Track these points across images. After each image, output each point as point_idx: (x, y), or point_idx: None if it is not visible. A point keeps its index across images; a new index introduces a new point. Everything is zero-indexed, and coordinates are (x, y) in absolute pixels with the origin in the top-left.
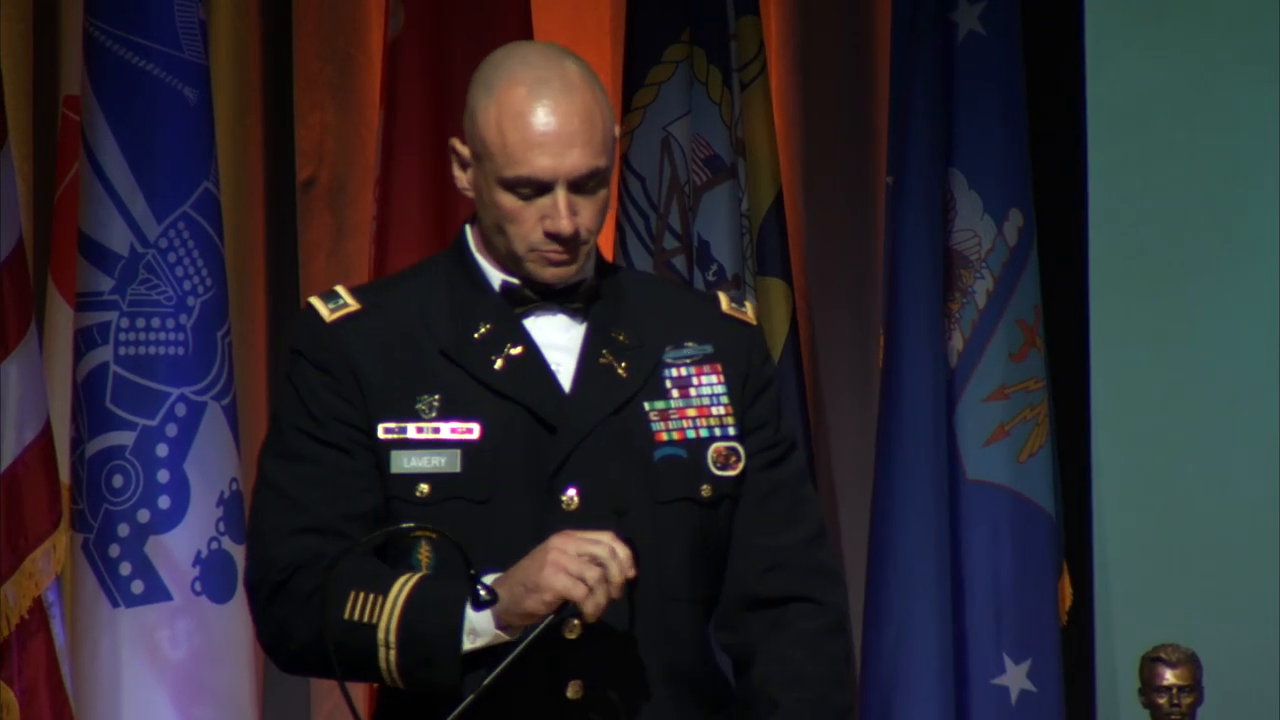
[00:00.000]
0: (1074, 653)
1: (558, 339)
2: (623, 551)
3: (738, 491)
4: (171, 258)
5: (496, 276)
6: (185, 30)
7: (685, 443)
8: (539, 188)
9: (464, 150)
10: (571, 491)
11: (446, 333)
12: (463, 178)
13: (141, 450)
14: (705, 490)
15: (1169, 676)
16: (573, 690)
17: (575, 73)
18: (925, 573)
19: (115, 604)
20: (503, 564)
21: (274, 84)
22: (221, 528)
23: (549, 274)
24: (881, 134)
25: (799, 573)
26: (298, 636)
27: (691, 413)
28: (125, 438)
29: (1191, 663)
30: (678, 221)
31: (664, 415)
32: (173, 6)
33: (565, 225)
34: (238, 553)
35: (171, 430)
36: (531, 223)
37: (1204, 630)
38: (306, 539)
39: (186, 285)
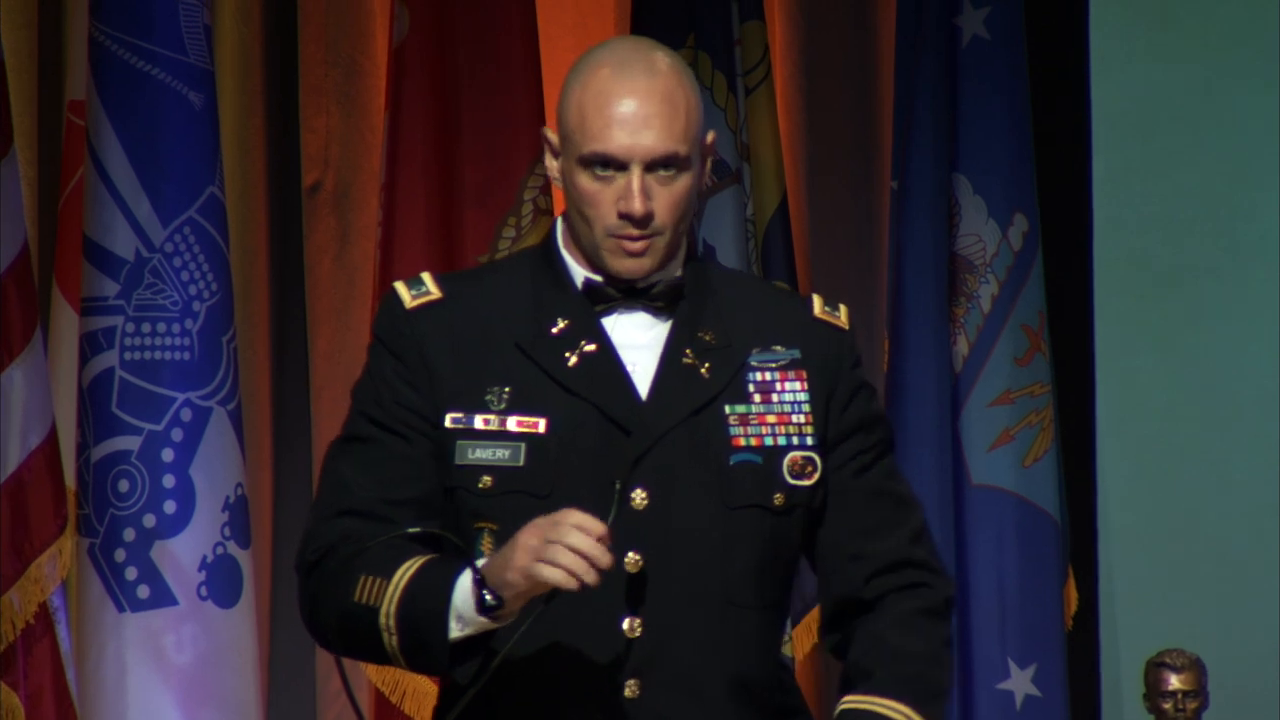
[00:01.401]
0: (1079, 657)
1: (638, 338)
2: (588, 522)
3: (812, 501)
4: (177, 262)
5: (580, 273)
6: (190, 35)
7: (762, 449)
8: (615, 166)
9: (553, 137)
10: (640, 491)
11: (524, 326)
12: (553, 166)
13: (147, 455)
14: (778, 499)
15: (1174, 681)
16: (630, 689)
17: (663, 61)
18: None
19: (121, 609)
20: None
21: (279, 89)
22: (227, 532)
23: (624, 265)
24: (886, 139)
25: (901, 573)
26: (324, 616)
27: (771, 419)
28: (131, 443)
29: (1196, 668)
30: None
31: (744, 420)
32: (178, 11)
33: (637, 205)
34: (243, 557)
35: (177, 435)
36: (608, 205)
37: (1209, 635)
38: (346, 522)
39: (192, 290)
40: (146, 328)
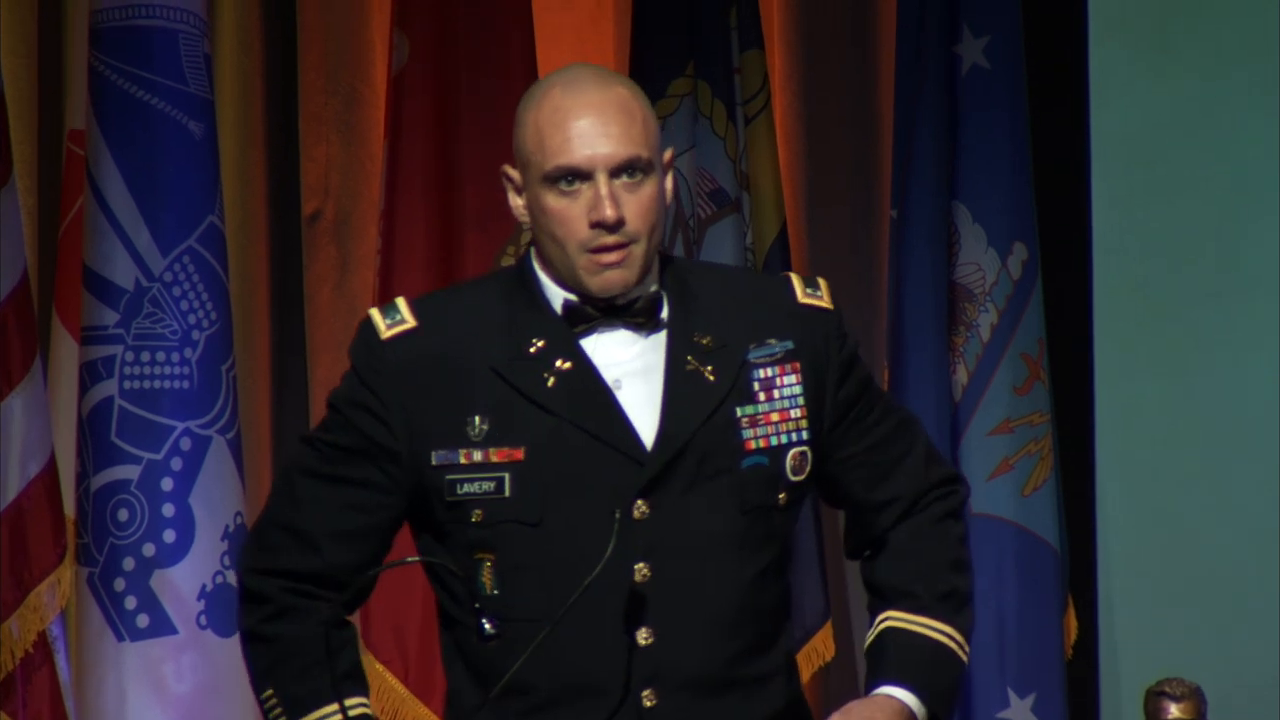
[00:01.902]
0: (1079, 687)
1: (619, 355)
2: None
3: (805, 494)
4: (176, 291)
5: (558, 295)
6: (190, 64)
7: (769, 450)
8: (580, 177)
9: (514, 173)
10: (641, 502)
11: (500, 349)
12: (517, 203)
13: (146, 484)
14: (783, 498)
15: (1173, 711)
16: (648, 698)
17: (612, 75)
18: None
19: (120, 638)
20: (563, 584)
21: (279, 118)
22: (226, 561)
23: (603, 280)
24: (885, 167)
25: (926, 503)
26: (248, 661)
27: (775, 417)
28: (130, 471)
29: (1196, 697)
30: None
31: (754, 421)
32: (177, 40)
33: (609, 210)
34: None
35: (176, 464)
36: (578, 220)
37: (1209, 665)
38: (288, 557)
39: (191, 319)
40: (146, 357)
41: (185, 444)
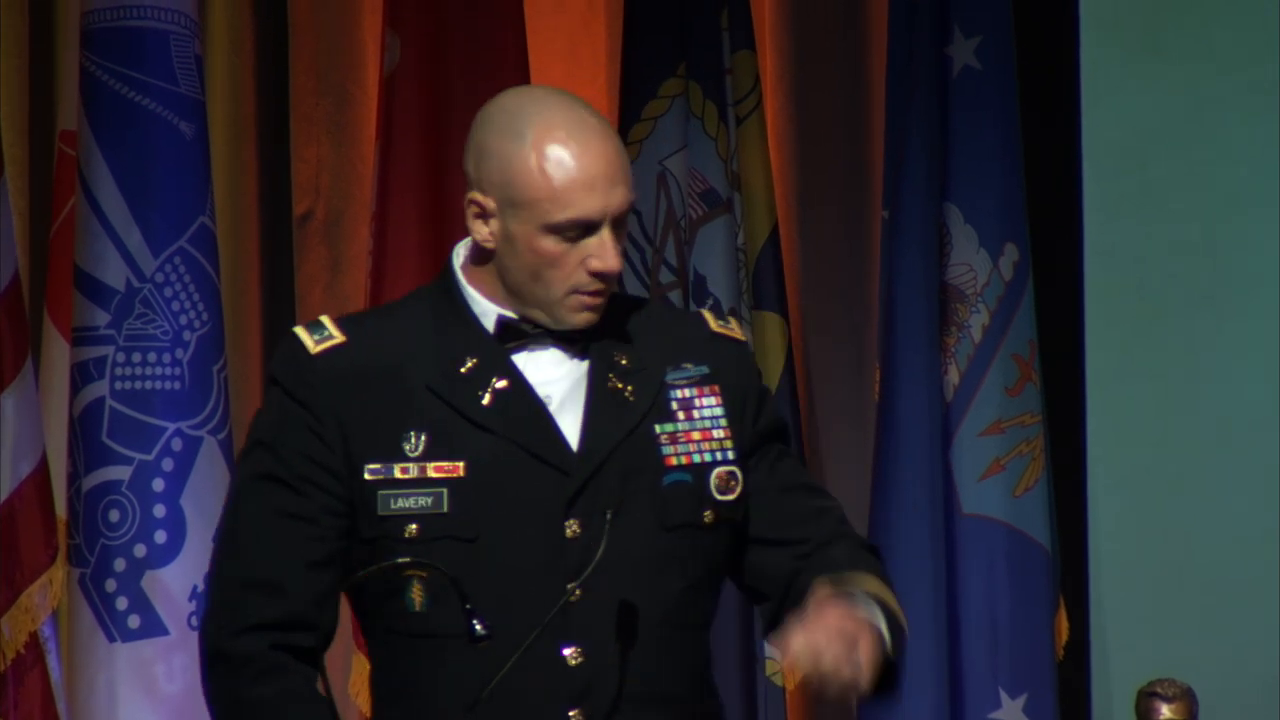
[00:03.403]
0: (1070, 687)
1: (550, 372)
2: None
3: (735, 514)
4: (168, 292)
5: (491, 311)
6: (181, 65)
7: (691, 467)
8: (586, 228)
9: (488, 201)
10: (572, 522)
11: (432, 367)
12: (483, 229)
13: (138, 485)
14: (708, 516)
15: (1165, 711)
16: (575, 717)
17: (592, 113)
18: (921, 607)
19: (112, 639)
20: (494, 601)
21: (270, 119)
22: None
23: (582, 318)
24: (877, 168)
25: (840, 538)
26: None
27: (696, 436)
28: (121, 472)
29: (1187, 698)
30: (674, 255)
31: (673, 438)
32: (169, 41)
33: (615, 263)
34: None
35: (168, 465)
36: (573, 265)
37: (1200, 665)
38: (254, 606)
39: (182, 320)
40: (137, 357)
41: (176, 445)
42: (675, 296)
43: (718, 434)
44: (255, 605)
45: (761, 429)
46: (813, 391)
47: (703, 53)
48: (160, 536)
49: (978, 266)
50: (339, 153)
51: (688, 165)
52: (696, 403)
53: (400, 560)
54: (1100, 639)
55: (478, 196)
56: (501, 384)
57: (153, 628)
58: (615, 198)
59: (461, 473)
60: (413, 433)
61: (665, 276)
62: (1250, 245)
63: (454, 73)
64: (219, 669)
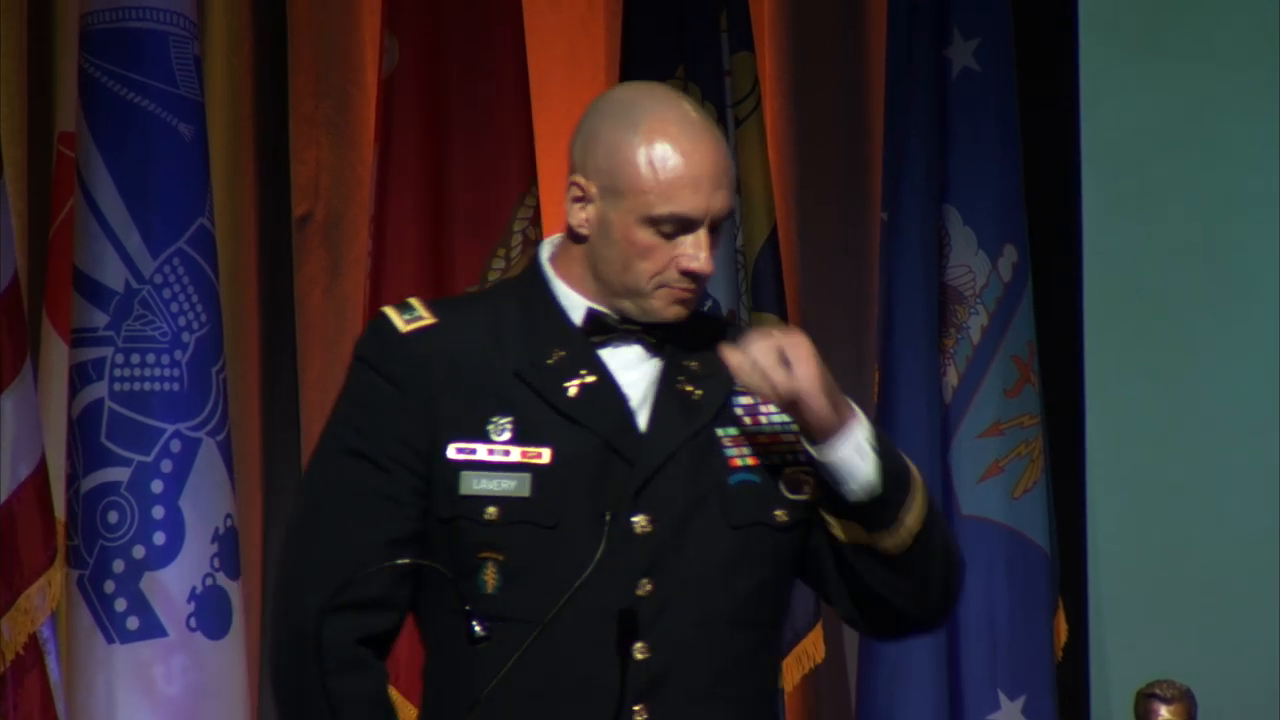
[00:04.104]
0: (1069, 689)
1: (632, 369)
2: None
3: (810, 515)
4: (166, 294)
5: (580, 304)
6: (181, 66)
7: (759, 468)
8: (684, 225)
9: (590, 186)
10: (641, 518)
11: (520, 355)
12: (580, 214)
13: (136, 486)
14: (780, 515)
15: (1164, 713)
16: (639, 713)
17: (707, 119)
18: None
19: (110, 640)
20: (568, 587)
21: (269, 120)
22: (216, 564)
23: (672, 312)
24: (876, 170)
25: None
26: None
27: (763, 439)
28: (120, 474)
29: (1186, 699)
30: None
31: (737, 441)
32: (168, 43)
33: (707, 265)
34: (232, 589)
35: (166, 466)
36: (665, 260)
37: (1199, 666)
38: (346, 619)
39: (181, 321)
40: (136, 359)
41: (175, 446)
42: None
43: (787, 438)
44: (338, 585)
45: None
46: None
47: (702, 54)
48: (159, 538)
49: (976, 268)
50: (338, 154)
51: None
52: (761, 409)
53: (400, 561)
54: (1099, 640)
55: (580, 180)
56: (590, 378)
57: (151, 629)
58: (717, 200)
59: (546, 460)
60: (499, 417)
61: None
62: (1249, 246)
63: (453, 74)
64: (295, 649)
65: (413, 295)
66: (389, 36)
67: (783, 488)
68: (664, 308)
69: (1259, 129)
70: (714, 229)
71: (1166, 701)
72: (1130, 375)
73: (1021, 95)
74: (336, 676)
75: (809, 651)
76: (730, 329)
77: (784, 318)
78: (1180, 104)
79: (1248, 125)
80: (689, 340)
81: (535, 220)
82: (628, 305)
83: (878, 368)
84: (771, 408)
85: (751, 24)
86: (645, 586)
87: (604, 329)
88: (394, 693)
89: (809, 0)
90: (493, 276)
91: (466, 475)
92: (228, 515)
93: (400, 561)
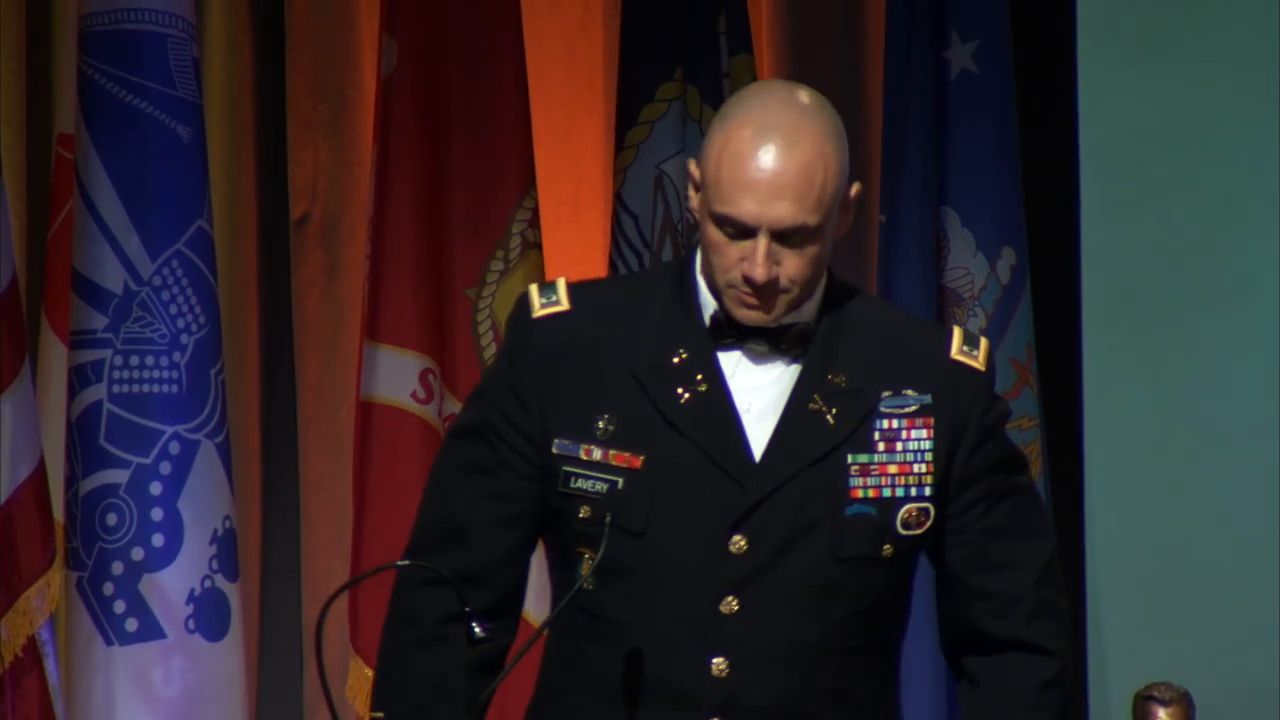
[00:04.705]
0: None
1: (759, 379)
2: None
3: (918, 546)
4: (165, 295)
5: (709, 304)
6: (179, 68)
7: (879, 501)
8: (742, 230)
9: (696, 173)
10: (739, 538)
11: (643, 352)
12: (694, 199)
13: (135, 488)
14: (887, 550)
15: (1162, 715)
16: None
17: (810, 124)
18: (919, 609)
19: (109, 642)
20: (649, 597)
21: (267, 122)
22: (215, 565)
23: (742, 314)
24: (874, 172)
25: (1021, 617)
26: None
27: (893, 470)
28: (119, 476)
29: (1184, 701)
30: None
31: (864, 470)
32: (166, 44)
33: (760, 273)
34: (231, 590)
35: (165, 468)
36: (733, 260)
37: (1197, 668)
38: (434, 593)
39: (180, 323)
40: (135, 361)
41: (174, 448)
42: None
43: (919, 468)
44: (437, 555)
45: (978, 467)
46: None
47: (700, 56)
48: (158, 540)
49: (975, 270)
50: (336, 156)
51: (685, 169)
52: (903, 435)
53: (400, 562)
54: (1097, 642)
55: (691, 165)
56: (703, 386)
57: (150, 631)
58: (776, 210)
59: (639, 465)
60: (605, 415)
61: None
62: (1248, 248)
63: (451, 76)
64: (391, 620)
65: (410, 298)
66: (387, 38)
67: (899, 523)
68: (736, 309)
69: (1259, 129)
70: (786, 240)
71: (1165, 703)
72: (1129, 377)
73: (1020, 97)
74: (414, 649)
75: None
76: (892, 315)
77: None
78: (1179, 104)
79: (1247, 126)
80: (842, 346)
81: (534, 222)
82: (720, 302)
83: None
84: (912, 434)
85: (750, 26)
86: (731, 604)
87: (729, 333)
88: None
89: (807, 2)
90: (490, 278)
91: (566, 471)
92: (226, 517)
93: (419, 563)
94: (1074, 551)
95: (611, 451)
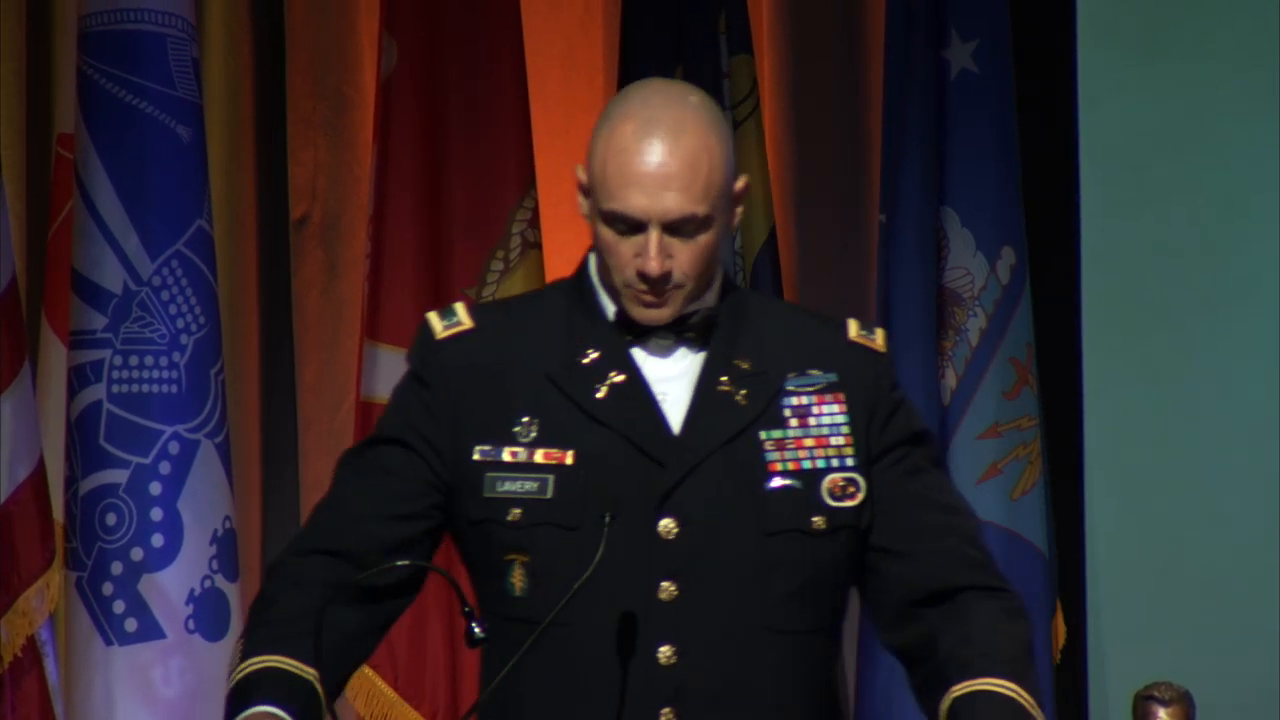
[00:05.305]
0: (1067, 691)
1: (670, 369)
2: None
3: (858, 521)
4: (165, 295)
5: (610, 305)
6: (179, 68)
7: (800, 473)
8: (633, 225)
9: (584, 176)
10: (668, 520)
11: (554, 357)
12: (583, 204)
13: (135, 488)
14: (818, 521)
15: (1162, 715)
16: (666, 717)
17: (692, 116)
18: None
19: (109, 642)
20: (592, 591)
21: (267, 122)
22: (215, 566)
23: (639, 314)
24: (874, 172)
25: (966, 567)
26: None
27: (809, 443)
28: (119, 476)
29: (1184, 701)
30: None
31: (780, 445)
32: (166, 44)
33: (653, 267)
34: (231, 590)
35: (165, 468)
36: (627, 258)
37: (1197, 668)
38: (306, 559)
39: (180, 323)
40: (134, 360)
41: (173, 448)
42: None
43: (836, 441)
44: (329, 533)
45: (892, 437)
46: None
47: (700, 56)
48: (157, 540)
49: (975, 270)
50: (336, 156)
51: None
52: (814, 410)
53: (400, 563)
54: (1097, 642)
55: (578, 170)
56: (619, 378)
57: (150, 631)
58: (664, 201)
59: (570, 461)
60: (526, 419)
61: None
62: (1248, 248)
63: (450, 76)
64: (263, 577)
65: (411, 298)
66: (387, 38)
67: (825, 494)
68: (634, 309)
69: (1259, 129)
70: (677, 232)
71: (1165, 703)
72: (1129, 377)
73: (1020, 97)
74: (275, 589)
75: None
76: (789, 311)
77: None
78: (1179, 105)
79: (1247, 126)
80: (744, 335)
81: (534, 222)
82: (619, 302)
83: None
84: (823, 409)
85: (750, 26)
86: (669, 590)
87: (636, 327)
88: (391, 691)
89: (807, 2)
90: (491, 278)
91: (490, 477)
92: (226, 517)
93: (400, 564)
94: (1074, 552)
95: (539, 450)
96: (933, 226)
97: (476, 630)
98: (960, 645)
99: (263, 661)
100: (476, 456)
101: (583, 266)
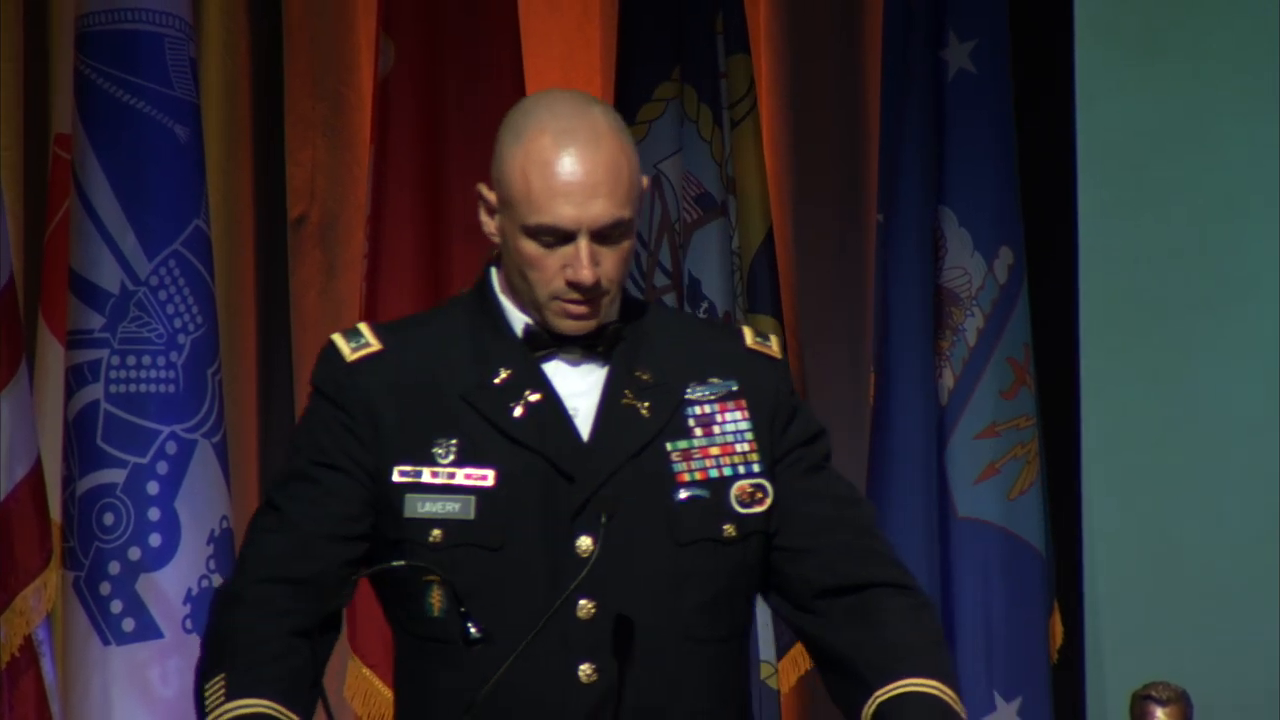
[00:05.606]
0: (1064, 691)
1: (578, 384)
2: None
3: (767, 527)
4: (162, 295)
5: (519, 319)
6: (176, 68)
7: (708, 482)
8: (561, 236)
9: (490, 196)
10: (585, 539)
11: (466, 377)
12: (489, 223)
13: (132, 488)
14: (729, 530)
15: (1159, 715)
16: None
17: (603, 123)
18: None
19: (106, 642)
20: (513, 612)
21: (265, 122)
22: (212, 565)
23: (567, 325)
24: (872, 172)
25: (870, 562)
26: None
27: (715, 451)
28: (116, 475)
29: (1182, 701)
30: (668, 259)
31: (686, 455)
32: (163, 44)
33: (587, 275)
34: None
35: (162, 468)
36: (553, 271)
37: (1195, 668)
38: (270, 588)
39: (177, 323)
40: (132, 360)
41: (171, 448)
42: (670, 300)
43: (741, 448)
44: (278, 560)
45: (791, 440)
46: (808, 395)
47: (698, 56)
48: (155, 540)
49: (972, 270)
50: (334, 156)
51: (682, 168)
52: (718, 418)
53: (400, 563)
54: (1095, 642)
55: (483, 189)
56: (535, 397)
57: (147, 631)
58: (593, 209)
59: (491, 482)
60: (443, 439)
61: (660, 280)
62: (1247, 248)
63: (448, 76)
64: (218, 605)
65: (410, 297)
66: (385, 38)
67: (734, 502)
68: (560, 320)
69: (1258, 129)
70: (604, 239)
71: (1162, 703)
72: (1127, 377)
73: (1018, 97)
74: (234, 612)
75: (805, 653)
76: (684, 320)
77: (780, 320)
78: (1178, 104)
79: (1247, 125)
80: (644, 347)
81: None
82: (542, 317)
83: (874, 370)
84: (727, 416)
85: (747, 25)
86: (587, 608)
87: (545, 343)
88: (389, 692)
89: (805, 2)
90: None
91: (411, 498)
92: (223, 517)
93: (401, 563)
94: (1072, 551)
95: (459, 471)
96: (930, 226)
97: (473, 630)
98: (877, 647)
99: (251, 706)
100: (396, 477)
101: (483, 282)
